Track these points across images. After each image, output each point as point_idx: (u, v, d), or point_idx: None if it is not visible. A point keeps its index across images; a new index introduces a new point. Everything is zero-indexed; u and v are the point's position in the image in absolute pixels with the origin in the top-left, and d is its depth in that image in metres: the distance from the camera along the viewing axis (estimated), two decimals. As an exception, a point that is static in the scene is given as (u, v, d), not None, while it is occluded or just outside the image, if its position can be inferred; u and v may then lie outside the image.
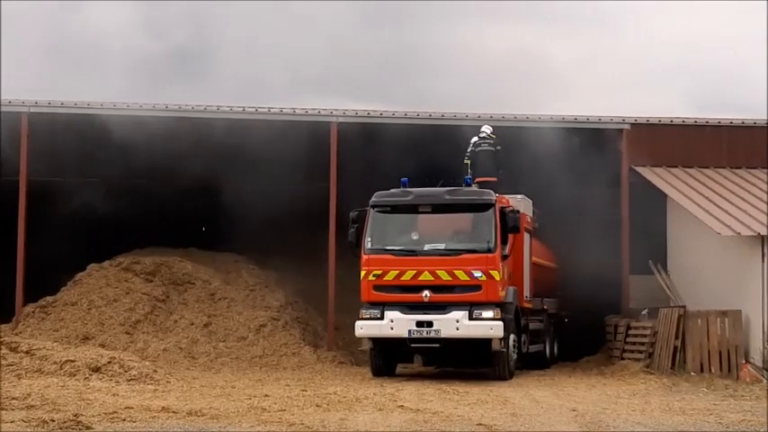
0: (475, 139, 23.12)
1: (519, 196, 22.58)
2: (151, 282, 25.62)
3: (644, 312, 24.28)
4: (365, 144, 25.74)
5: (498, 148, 22.95)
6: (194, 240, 28.79)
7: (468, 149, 23.03)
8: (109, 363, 18.84)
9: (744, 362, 21.09)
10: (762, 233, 21.31)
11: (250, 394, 17.15)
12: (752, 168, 26.21)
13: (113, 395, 16.41)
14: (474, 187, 21.67)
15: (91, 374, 18.40)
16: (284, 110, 25.04)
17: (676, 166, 26.07)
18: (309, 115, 24.90)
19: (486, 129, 23.35)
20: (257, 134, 24.18)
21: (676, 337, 21.68)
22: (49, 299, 25.03)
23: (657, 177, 25.34)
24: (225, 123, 24.75)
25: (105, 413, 14.30)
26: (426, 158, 25.38)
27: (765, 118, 26.80)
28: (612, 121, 25.75)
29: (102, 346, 22.69)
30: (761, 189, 24.80)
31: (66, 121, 24.68)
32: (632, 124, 25.71)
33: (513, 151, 23.35)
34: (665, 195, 24.98)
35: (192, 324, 24.50)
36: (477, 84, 45.95)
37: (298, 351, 23.82)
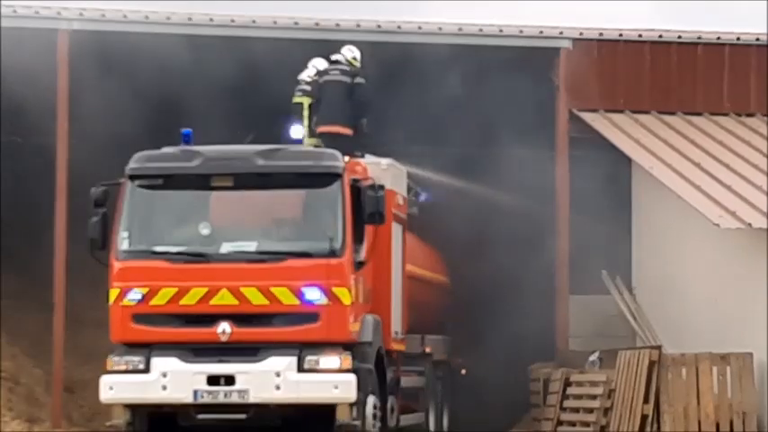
0: (320, 63, 23.58)
1: (384, 161, 22.41)
2: None
3: (593, 358, 24.65)
4: (120, 69, 25.45)
5: (360, 80, 23.38)
6: None
7: (304, 78, 23.64)
8: None
9: (756, 437, 21.89)
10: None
11: None
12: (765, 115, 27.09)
13: None
14: (308, 145, 22.18)
15: None
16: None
17: (647, 112, 26.57)
18: (20, 17, 24.70)
19: (348, 51, 23.86)
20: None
21: (646, 400, 21.81)
22: None
23: (616, 130, 25.70)
24: None
25: None
26: (228, 93, 25.48)
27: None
28: (543, 34, 26.35)
29: None
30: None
31: None
32: (575, 40, 26.34)
33: (382, 85, 23.88)
34: (629, 162, 25.31)
35: None
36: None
37: (-1, 429, 23.82)
